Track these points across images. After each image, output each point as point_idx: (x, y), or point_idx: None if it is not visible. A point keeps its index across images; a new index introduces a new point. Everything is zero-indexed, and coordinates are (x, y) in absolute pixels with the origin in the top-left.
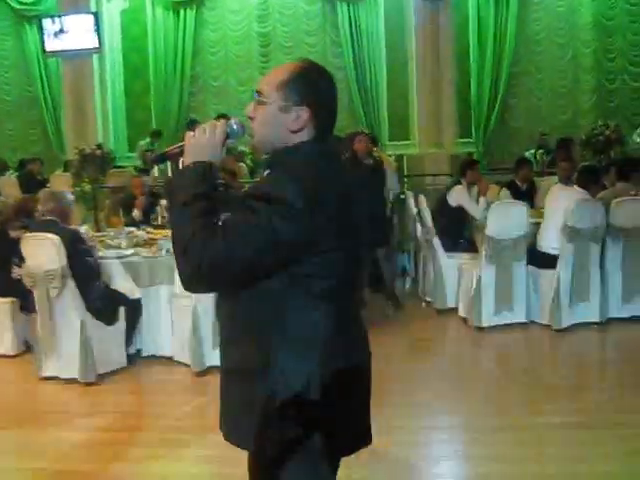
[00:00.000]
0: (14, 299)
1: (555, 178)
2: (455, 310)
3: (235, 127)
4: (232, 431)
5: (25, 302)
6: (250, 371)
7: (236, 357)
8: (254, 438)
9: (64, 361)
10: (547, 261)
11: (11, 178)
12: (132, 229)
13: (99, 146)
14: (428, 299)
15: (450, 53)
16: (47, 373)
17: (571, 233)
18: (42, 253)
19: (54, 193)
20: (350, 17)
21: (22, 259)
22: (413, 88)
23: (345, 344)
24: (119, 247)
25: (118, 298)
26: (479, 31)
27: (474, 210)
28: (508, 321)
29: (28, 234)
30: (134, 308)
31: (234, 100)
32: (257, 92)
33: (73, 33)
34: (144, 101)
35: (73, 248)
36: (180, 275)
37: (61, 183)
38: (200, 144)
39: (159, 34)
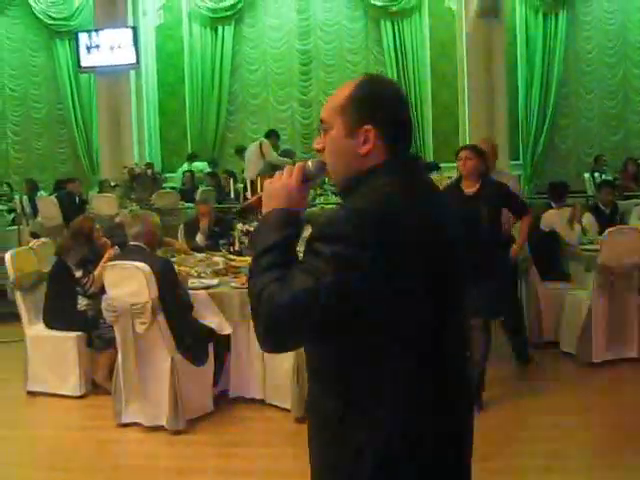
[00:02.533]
0: (80, 333)
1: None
2: (554, 344)
3: (312, 167)
4: None
5: (91, 338)
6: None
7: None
8: None
9: (150, 406)
10: None
11: (51, 199)
12: (203, 255)
13: (149, 165)
14: None
15: (503, 72)
16: (127, 419)
17: None
18: (129, 284)
19: (140, 215)
20: (394, 35)
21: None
22: (464, 108)
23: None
24: (200, 276)
25: (207, 335)
26: (527, 49)
27: (570, 236)
28: (620, 356)
29: (112, 262)
30: (223, 346)
31: (273, 119)
32: (321, 121)
33: (109, 48)
34: (179, 120)
35: (164, 279)
36: (255, 331)
37: (104, 204)
38: (276, 190)
39: (195, 51)
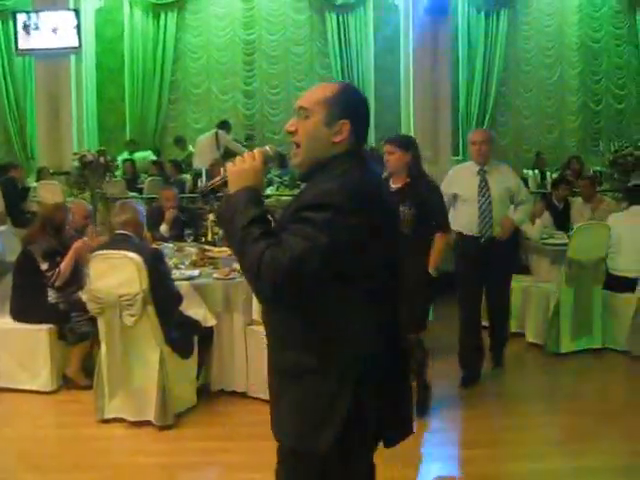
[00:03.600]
0: (51, 326)
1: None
2: (519, 335)
3: (271, 153)
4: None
5: (62, 331)
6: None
7: (292, 359)
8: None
9: (135, 401)
10: (623, 284)
11: None
12: (168, 245)
13: (101, 152)
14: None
15: (447, 69)
16: (110, 415)
17: None
18: (117, 274)
19: (128, 203)
20: (339, 28)
21: (80, 278)
22: (408, 102)
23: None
24: (177, 267)
25: (193, 327)
26: (469, 47)
27: (531, 231)
28: (585, 347)
29: (99, 252)
30: (207, 338)
31: (216, 109)
32: (300, 108)
33: (50, 30)
34: (118, 107)
35: (155, 269)
36: (259, 296)
37: (49, 193)
38: (244, 171)
39: (136, 37)
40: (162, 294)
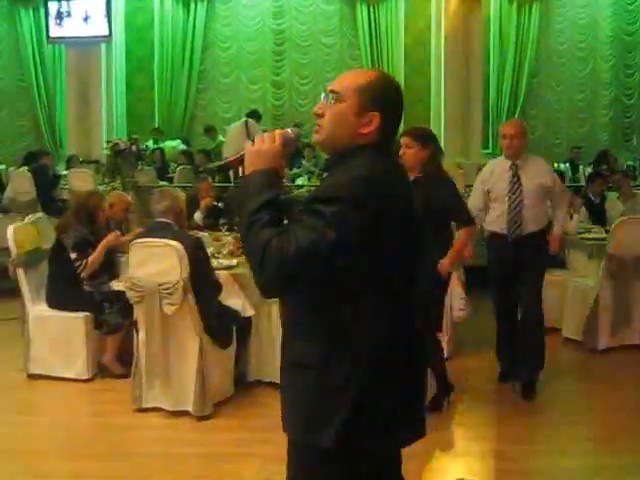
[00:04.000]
0: (87, 314)
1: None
2: (555, 330)
3: (292, 135)
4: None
5: (98, 320)
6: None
7: (299, 350)
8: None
9: (174, 390)
10: None
11: (25, 172)
12: (203, 234)
13: (133, 140)
14: None
15: (479, 59)
16: (148, 404)
17: None
18: (157, 262)
19: (168, 190)
20: (369, 19)
21: (111, 271)
22: (439, 94)
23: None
24: (215, 256)
25: (232, 317)
26: (500, 38)
27: (569, 225)
28: (624, 343)
29: (139, 240)
30: (246, 328)
31: (245, 99)
32: (331, 91)
33: (81, 19)
34: (147, 96)
35: (196, 257)
36: (259, 281)
37: (80, 181)
38: (261, 152)
39: (166, 26)
40: (203, 283)
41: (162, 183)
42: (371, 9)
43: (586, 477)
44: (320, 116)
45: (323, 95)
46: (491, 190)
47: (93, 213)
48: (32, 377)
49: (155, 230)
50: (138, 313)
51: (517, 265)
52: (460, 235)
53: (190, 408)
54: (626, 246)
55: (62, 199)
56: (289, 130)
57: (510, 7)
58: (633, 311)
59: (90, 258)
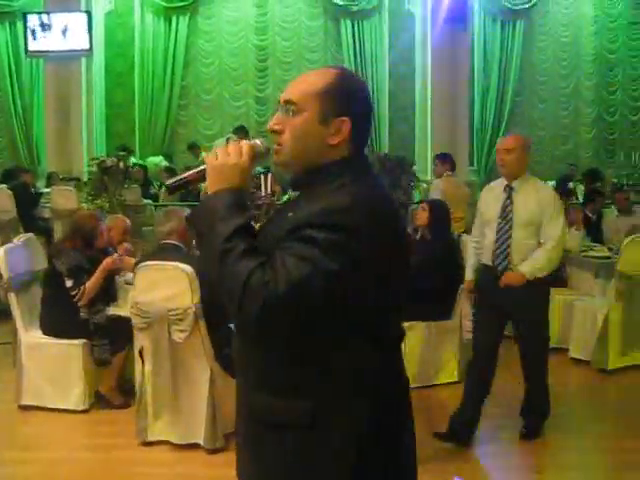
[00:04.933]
0: (85, 341)
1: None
2: (561, 350)
3: (262, 148)
4: None
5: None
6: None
7: (277, 406)
8: None
9: (183, 422)
10: None
11: (5, 190)
12: None
13: (120, 157)
14: None
15: (466, 79)
16: (154, 437)
17: None
18: (166, 286)
19: (174, 210)
20: (354, 34)
21: (109, 296)
22: (425, 112)
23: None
24: None
25: None
26: (484, 57)
27: (571, 242)
28: (634, 363)
29: (145, 262)
30: None
31: (227, 115)
32: (286, 102)
33: (61, 32)
34: (126, 111)
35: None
36: (238, 321)
37: (62, 199)
38: (227, 167)
39: (147, 41)
40: (214, 308)
41: (146, 201)
42: (355, 25)
43: None
44: (278, 133)
45: (278, 108)
46: (484, 212)
47: (90, 237)
48: (24, 408)
49: (162, 252)
50: (144, 341)
51: (504, 303)
52: None
53: (200, 440)
54: (636, 264)
55: (43, 218)
56: (257, 142)
57: (494, 25)
58: None
59: (87, 284)
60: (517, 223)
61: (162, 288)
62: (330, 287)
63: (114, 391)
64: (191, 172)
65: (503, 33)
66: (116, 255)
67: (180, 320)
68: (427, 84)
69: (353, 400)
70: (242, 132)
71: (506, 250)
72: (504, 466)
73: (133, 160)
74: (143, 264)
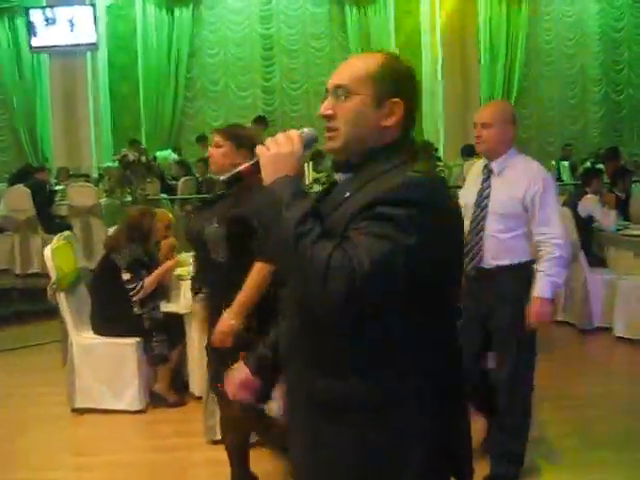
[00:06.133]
0: (139, 339)
1: None
2: (606, 330)
3: (312, 136)
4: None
5: (149, 349)
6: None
7: (344, 390)
8: None
9: None
10: None
11: (23, 189)
12: None
13: (141, 151)
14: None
15: (475, 58)
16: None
17: None
18: None
19: None
20: (359, 21)
21: (163, 293)
22: (437, 94)
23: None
24: None
25: None
26: (491, 38)
27: (608, 221)
28: None
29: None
30: None
31: (234, 106)
32: (337, 87)
33: (67, 27)
34: (132, 105)
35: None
36: (323, 305)
37: (81, 195)
38: (281, 156)
39: (150, 33)
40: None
41: (163, 195)
42: (360, 10)
43: None
44: (330, 118)
45: (327, 94)
46: (461, 197)
47: (147, 233)
48: (77, 411)
49: None
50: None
51: (482, 308)
52: None
53: None
54: None
55: (60, 216)
56: (306, 130)
57: (500, 7)
58: None
59: (147, 280)
60: (492, 212)
61: None
62: (410, 262)
63: (169, 389)
64: (245, 165)
65: (509, 15)
66: (177, 257)
67: None
68: (436, 67)
69: (418, 381)
70: (262, 122)
71: (478, 244)
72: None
73: (162, 153)
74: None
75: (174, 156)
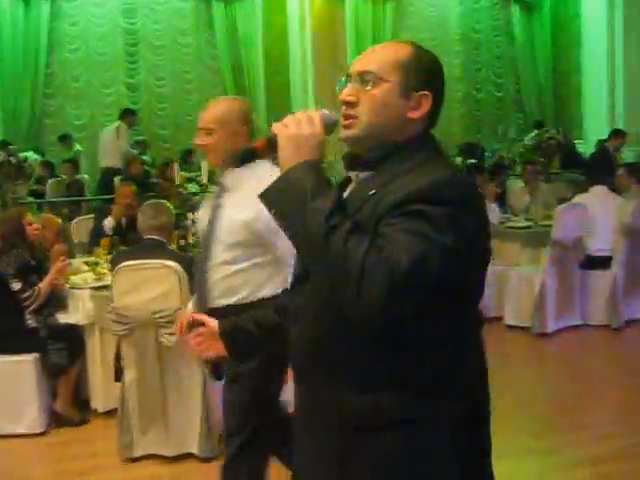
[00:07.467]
0: (37, 355)
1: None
2: (498, 320)
3: (331, 118)
4: None
5: (46, 360)
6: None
7: (376, 404)
8: None
9: (174, 432)
10: (597, 263)
11: None
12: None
13: (8, 151)
14: None
15: (345, 57)
16: (141, 452)
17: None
18: (151, 287)
19: (162, 204)
20: (226, 17)
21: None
22: (307, 91)
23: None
24: None
25: None
26: (356, 37)
27: (492, 215)
28: (567, 324)
29: (126, 262)
30: None
31: (98, 104)
32: (363, 73)
33: None
34: None
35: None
36: (359, 309)
37: None
38: (303, 138)
39: (4, 27)
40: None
41: (29, 199)
42: (227, 7)
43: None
44: (352, 105)
45: (347, 79)
46: (198, 222)
47: (22, 232)
48: None
49: (146, 249)
50: (127, 348)
51: None
52: None
53: (195, 450)
54: (568, 231)
55: None
56: (326, 111)
57: (365, 5)
58: (574, 293)
59: (41, 285)
60: (218, 239)
61: (145, 289)
62: (446, 262)
63: (71, 407)
64: (260, 141)
65: (375, 14)
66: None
67: (169, 322)
68: (306, 65)
69: (452, 395)
70: (129, 116)
71: (205, 283)
72: None
73: (22, 155)
74: (124, 264)
75: (36, 157)
